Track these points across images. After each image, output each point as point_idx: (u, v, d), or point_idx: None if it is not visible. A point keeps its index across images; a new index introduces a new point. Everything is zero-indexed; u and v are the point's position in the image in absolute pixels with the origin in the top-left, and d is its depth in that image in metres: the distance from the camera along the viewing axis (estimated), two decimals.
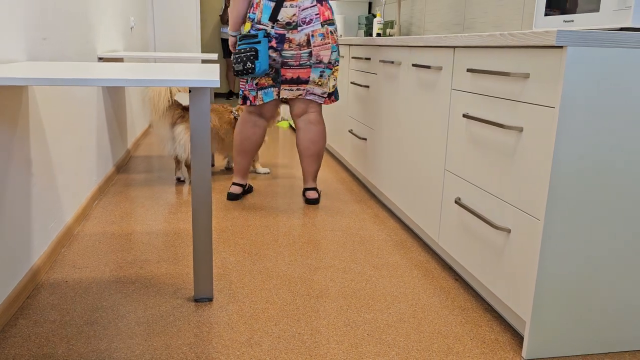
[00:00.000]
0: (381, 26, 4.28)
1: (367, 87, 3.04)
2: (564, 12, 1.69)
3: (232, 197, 2.96)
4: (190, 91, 1.59)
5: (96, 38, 3.08)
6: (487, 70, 1.66)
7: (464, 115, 1.81)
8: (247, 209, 2.82)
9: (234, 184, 2.99)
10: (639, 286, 1.52)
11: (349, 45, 3.45)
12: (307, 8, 2.67)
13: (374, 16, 4.65)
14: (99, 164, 3.02)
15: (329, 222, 2.65)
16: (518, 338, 1.64)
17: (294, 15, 2.65)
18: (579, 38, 1.32)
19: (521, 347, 1.58)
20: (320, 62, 2.73)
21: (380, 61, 2.71)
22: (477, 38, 1.70)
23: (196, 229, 1.73)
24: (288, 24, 2.66)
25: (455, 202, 1.89)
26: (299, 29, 2.66)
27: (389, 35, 4.21)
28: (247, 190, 3.10)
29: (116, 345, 1.54)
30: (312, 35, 2.68)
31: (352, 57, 3.32)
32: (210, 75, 1.53)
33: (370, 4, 5.06)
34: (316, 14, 2.67)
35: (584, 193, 1.42)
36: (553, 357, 1.53)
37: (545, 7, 1.78)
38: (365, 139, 3.08)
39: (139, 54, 3.32)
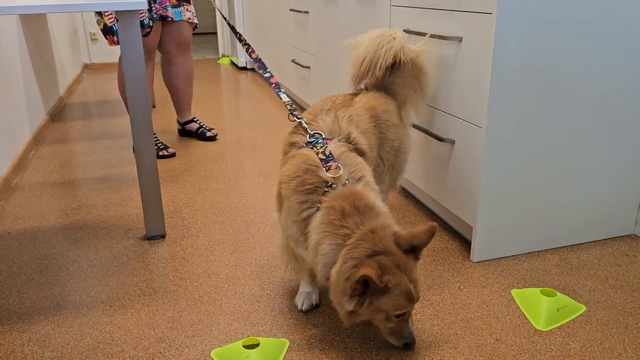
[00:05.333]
0: None
1: (307, 12, 2.95)
2: None
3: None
4: (117, 20, 1.49)
5: None
6: None
7: (404, 31, 1.79)
8: (193, 148, 2.76)
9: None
10: (574, 184, 1.60)
11: None
12: None
13: None
14: (31, 113, 2.85)
15: (277, 154, 2.63)
16: (466, 244, 1.71)
17: None
18: None
19: (469, 252, 1.65)
20: None
21: None
22: None
23: (141, 163, 1.68)
24: None
25: None
26: None
27: None
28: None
29: (70, 289, 1.51)
30: None
31: None
32: None
33: None
34: None
35: (523, 98, 1.45)
36: (499, 258, 1.62)
37: None
38: (308, 67, 3.03)
39: None
